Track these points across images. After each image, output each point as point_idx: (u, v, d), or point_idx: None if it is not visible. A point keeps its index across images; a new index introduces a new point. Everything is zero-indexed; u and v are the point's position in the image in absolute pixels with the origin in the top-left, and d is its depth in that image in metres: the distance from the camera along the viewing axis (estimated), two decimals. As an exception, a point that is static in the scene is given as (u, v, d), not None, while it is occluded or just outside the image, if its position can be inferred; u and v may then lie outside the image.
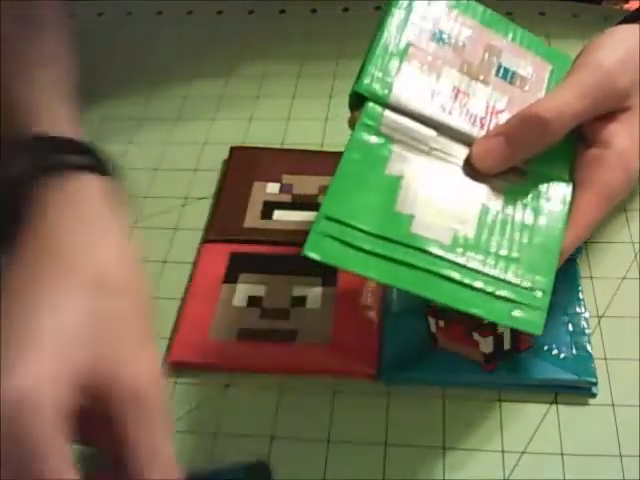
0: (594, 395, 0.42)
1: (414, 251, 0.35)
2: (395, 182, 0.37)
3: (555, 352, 0.43)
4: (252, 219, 0.53)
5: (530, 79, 0.43)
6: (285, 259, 0.50)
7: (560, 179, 0.40)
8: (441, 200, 0.38)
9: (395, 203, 0.36)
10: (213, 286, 0.49)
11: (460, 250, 0.36)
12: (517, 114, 0.39)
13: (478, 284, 0.36)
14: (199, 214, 0.55)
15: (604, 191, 0.39)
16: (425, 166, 0.38)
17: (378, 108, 0.38)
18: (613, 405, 0.42)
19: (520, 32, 0.44)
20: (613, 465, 0.40)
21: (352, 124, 0.39)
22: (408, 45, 0.40)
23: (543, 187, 0.40)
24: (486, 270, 0.36)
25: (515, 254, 0.37)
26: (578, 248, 0.48)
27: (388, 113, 0.38)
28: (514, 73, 0.42)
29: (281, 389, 0.45)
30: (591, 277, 0.48)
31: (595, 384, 0.42)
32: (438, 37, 0.41)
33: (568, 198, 0.40)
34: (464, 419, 0.42)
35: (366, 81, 0.39)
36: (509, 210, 0.39)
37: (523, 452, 0.41)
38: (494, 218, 0.38)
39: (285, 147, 0.59)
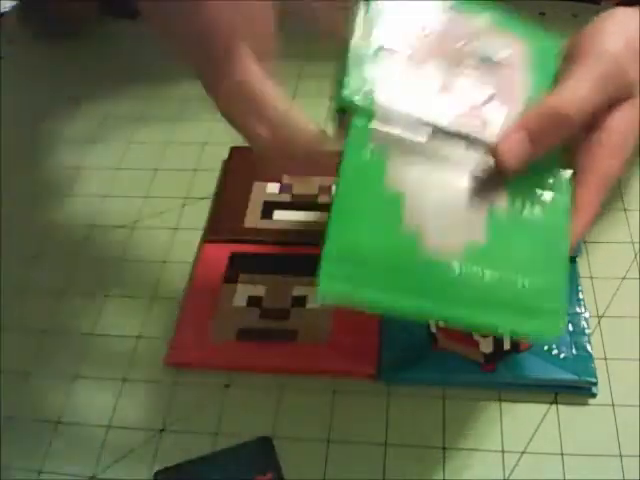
0: (594, 395, 0.42)
1: (427, 277, 0.34)
2: (396, 199, 0.35)
3: (555, 352, 0.43)
4: (252, 219, 0.53)
5: (512, 60, 0.41)
6: (285, 259, 0.50)
7: (558, 166, 0.39)
8: (447, 211, 0.36)
9: (400, 223, 0.35)
10: (213, 286, 0.49)
11: (472, 264, 0.35)
12: (537, 109, 0.38)
13: (495, 299, 0.35)
14: (199, 214, 0.55)
15: (603, 179, 0.39)
16: (424, 176, 0.37)
17: (364, 121, 0.37)
18: (613, 405, 0.42)
19: (495, 13, 0.42)
20: (613, 465, 0.40)
21: (339, 137, 0.37)
22: (382, 47, 0.38)
23: (543, 177, 0.39)
24: (501, 283, 0.35)
25: (526, 259, 0.36)
26: (578, 248, 0.48)
27: (376, 124, 0.37)
28: (495, 57, 0.41)
29: (281, 389, 0.45)
30: (591, 277, 0.48)
31: (595, 384, 0.42)
32: (413, 31, 0.40)
33: (569, 186, 0.39)
34: (464, 419, 0.42)
35: (346, 93, 0.37)
36: (514, 207, 0.37)
37: (523, 452, 0.41)
38: (501, 219, 0.37)
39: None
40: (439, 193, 0.36)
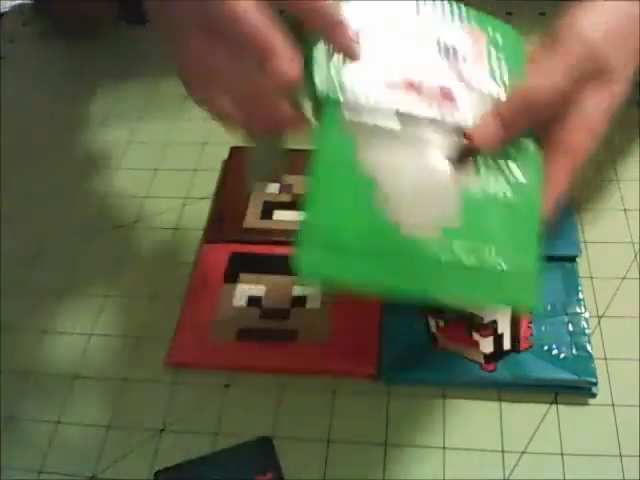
0: (594, 395, 0.42)
1: (404, 256, 0.35)
2: (371, 185, 0.36)
3: (555, 352, 0.43)
4: (252, 219, 0.53)
5: (470, 50, 0.42)
6: (285, 259, 0.49)
7: (527, 144, 0.40)
8: (420, 194, 0.37)
9: (375, 206, 0.35)
10: (213, 286, 0.49)
11: (451, 243, 0.36)
12: (509, 97, 0.39)
13: (474, 277, 0.35)
14: (199, 214, 0.55)
15: (572, 154, 0.39)
16: (395, 160, 0.37)
17: (335, 109, 0.37)
18: (613, 405, 0.42)
19: (452, 4, 0.43)
20: (613, 465, 0.40)
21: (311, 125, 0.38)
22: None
23: (513, 155, 0.39)
24: (477, 258, 0.36)
25: (500, 236, 0.37)
26: (578, 248, 0.48)
27: (347, 111, 0.37)
28: (454, 48, 0.41)
29: (281, 389, 0.45)
30: (591, 277, 0.48)
31: (595, 384, 0.42)
32: (379, 21, 0.40)
33: (538, 162, 0.39)
34: (464, 419, 0.42)
35: (316, 82, 0.37)
36: (486, 187, 0.38)
37: (523, 452, 0.41)
38: (474, 199, 0.37)
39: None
40: (411, 176, 0.37)
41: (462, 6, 0.43)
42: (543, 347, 0.43)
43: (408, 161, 0.37)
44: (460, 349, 0.44)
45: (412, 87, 0.39)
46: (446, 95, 0.39)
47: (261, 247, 0.51)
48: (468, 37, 0.42)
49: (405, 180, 0.37)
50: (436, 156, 0.38)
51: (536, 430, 0.41)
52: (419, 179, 0.37)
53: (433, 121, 0.38)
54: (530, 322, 0.44)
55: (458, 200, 0.37)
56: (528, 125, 0.39)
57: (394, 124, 0.38)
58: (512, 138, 0.39)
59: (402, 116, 0.38)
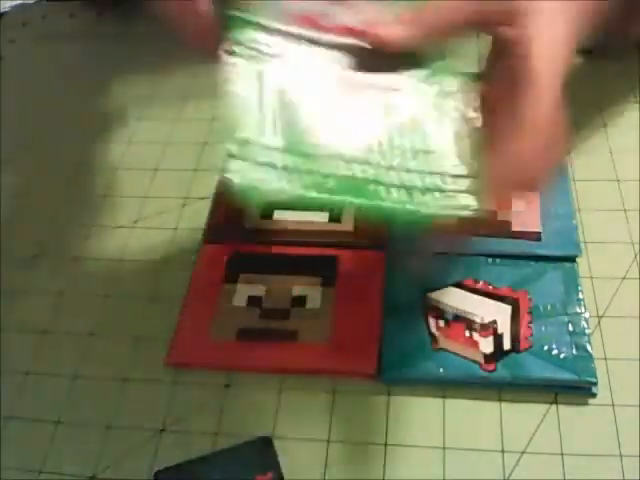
0: (594, 395, 0.42)
1: (342, 163, 0.34)
2: (289, 100, 0.36)
3: (555, 352, 0.43)
4: (252, 219, 0.53)
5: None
6: (285, 259, 0.50)
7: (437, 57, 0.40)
8: (344, 111, 0.36)
9: (299, 122, 0.35)
10: (213, 286, 0.49)
11: (379, 156, 0.35)
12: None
13: (413, 186, 0.35)
14: (199, 214, 0.55)
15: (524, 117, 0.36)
16: (314, 78, 0.37)
17: (248, 30, 0.38)
18: (613, 405, 0.42)
19: None
20: (613, 465, 0.40)
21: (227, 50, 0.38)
22: None
23: (428, 70, 0.39)
24: (417, 168, 0.35)
25: (435, 144, 0.36)
26: (578, 248, 0.48)
27: (259, 34, 0.38)
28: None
29: (281, 389, 0.45)
30: (591, 277, 0.48)
31: (595, 384, 0.42)
32: None
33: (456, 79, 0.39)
34: (464, 419, 0.42)
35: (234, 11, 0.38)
36: (406, 99, 0.38)
37: (523, 452, 0.41)
38: (400, 112, 0.37)
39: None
40: (331, 95, 0.37)
41: None
42: (543, 347, 0.43)
43: (326, 79, 0.37)
44: (460, 349, 0.44)
45: (310, 18, 0.39)
46: (346, 27, 0.39)
47: (261, 247, 0.51)
48: None
49: (326, 96, 0.37)
50: (356, 76, 0.38)
51: (536, 430, 0.41)
52: (339, 98, 0.37)
53: (335, 45, 0.38)
54: (530, 322, 0.44)
55: (383, 116, 0.36)
56: (443, 33, 0.38)
57: (307, 47, 0.38)
58: (417, 42, 0.38)
59: (314, 41, 0.38)
